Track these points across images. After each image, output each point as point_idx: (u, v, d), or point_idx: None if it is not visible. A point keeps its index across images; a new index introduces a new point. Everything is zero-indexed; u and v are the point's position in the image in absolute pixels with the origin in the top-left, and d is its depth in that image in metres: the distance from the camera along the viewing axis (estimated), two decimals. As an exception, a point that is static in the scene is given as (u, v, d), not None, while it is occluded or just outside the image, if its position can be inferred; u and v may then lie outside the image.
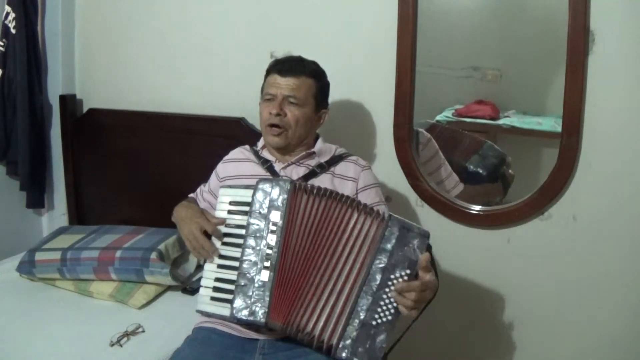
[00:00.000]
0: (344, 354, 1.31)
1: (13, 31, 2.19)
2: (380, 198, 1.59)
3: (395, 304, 1.30)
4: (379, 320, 1.31)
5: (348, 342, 1.30)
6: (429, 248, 1.33)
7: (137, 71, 2.28)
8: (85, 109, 2.37)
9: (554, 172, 1.72)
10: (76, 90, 2.39)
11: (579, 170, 1.70)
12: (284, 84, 1.54)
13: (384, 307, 1.30)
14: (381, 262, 1.30)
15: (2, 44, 2.22)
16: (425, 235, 1.31)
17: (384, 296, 1.30)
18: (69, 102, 2.33)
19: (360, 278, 1.32)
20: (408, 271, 1.30)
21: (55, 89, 2.36)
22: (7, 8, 2.18)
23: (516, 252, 1.83)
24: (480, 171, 1.92)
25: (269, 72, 1.60)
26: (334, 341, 1.31)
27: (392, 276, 1.30)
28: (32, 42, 2.24)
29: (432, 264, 1.36)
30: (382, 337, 1.30)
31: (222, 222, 1.45)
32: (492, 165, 1.92)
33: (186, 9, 2.16)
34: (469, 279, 1.92)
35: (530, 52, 1.83)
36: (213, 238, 1.46)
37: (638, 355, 1.74)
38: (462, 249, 1.90)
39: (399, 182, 1.92)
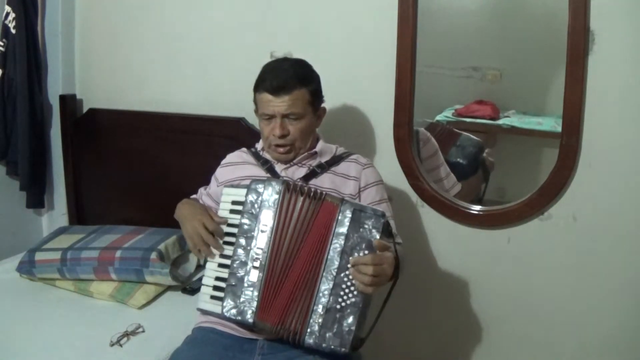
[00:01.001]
0: (311, 340, 1.31)
1: (13, 31, 2.19)
2: (382, 196, 1.58)
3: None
4: (343, 304, 1.31)
5: (315, 328, 1.31)
6: (386, 227, 1.34)
7: (137, 71, 2.28)
8: (85, 109, 2.37)
9: (554, 172, 1.72)
10: (76, 90, 2.39)
11: (579, 170, 1.70)
12: (279, 103, 1.49)
13: (347, 290, 1.31)
14: (338, 245, 1.31)
15: (2, 44, 2.22)
16: (379, 215, 1.32)
17: (345, 279, 1.31)
18: (69, 102, 2.33)
19: (320, 264, 1.32)
20: (367, 252, 1.30)
21: (55, 89, 2.36)
22: (7, 8, 2.18)
23: (516, 252, 1.83)
24: (461, 161, 1.93)
25: (258, 89, 1.53)
26: (301, 329, 1.32)
27: (350, 258, 1.30)
28: (32, 42, 2.23)
29: (393, 242, 1.37)
30: (349, 320, 1.30)
31: (225, 221, 1.45)
32: (472, 154, 1.93)
33: (186, 9, 2.16)
34: (468, 278, 1.92)
35: (530, 52, 1.83)
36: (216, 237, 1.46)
37: (638, 355, 1.74)
38: (462, 249, 1.90)
39: (399, 182, 1.92)
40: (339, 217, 1.33)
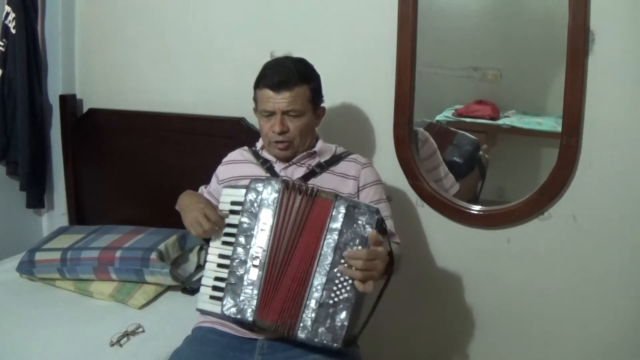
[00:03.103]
0: (303, 335, 1.31)
1: (13, 31, 2.19)
2: (381, 195, 1.58)
3: (351, 281, 1.30)
4: (336, 299, 1.31)
5: (308, 323, 1.31)
6: (379, 223, 1.33)
7: (137, 71, 2.28)
8: (85, 109, 2.37)
9: (554, 172, 1.72)
10: (76, 90, 2.39)
11: (579, 170, 1.70)
12: (280, 99, 1.49)
13: (340, 286, 1.31)
14: (332, 240, 1.32)
15: (2, 44, 2.22)
16: (373, 211, 1.32)
17: (339, 274, 1.31)
18: (69, 102, 2.33)
19: (314, 259, 1.32)
20: (360, 247, 1.30)
21: (55, 89, 2.36)
22: (7, 8, 2.18)
23: (516, 252, 1.83)
24: (457, 159, 1.92)
25: (259, 86, 1.53)
26: (294, 323, 1.32)
27: (344, 254, 1.30)
28: (32, 42, 2.24)
29: (387, 238, 1.37)
30: (342, 315, 1.30)
31: (226, 214, 1.46)
32: (468, 152, 1.93)
33: (186, 9, 2.16)
34: (468, 278, 1.92)
35: (530, 52, 1.84)
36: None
37: (638, 355, 1.74)
38: (462, 249, 1.90)
39: (399, 182, 1.92)
40: (333, 213, 1.33)
